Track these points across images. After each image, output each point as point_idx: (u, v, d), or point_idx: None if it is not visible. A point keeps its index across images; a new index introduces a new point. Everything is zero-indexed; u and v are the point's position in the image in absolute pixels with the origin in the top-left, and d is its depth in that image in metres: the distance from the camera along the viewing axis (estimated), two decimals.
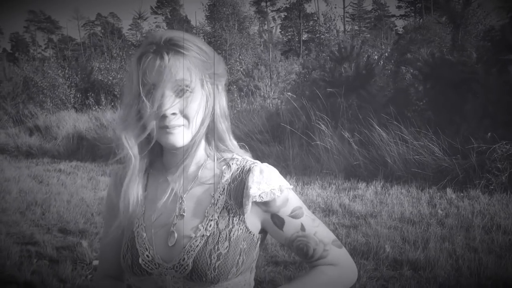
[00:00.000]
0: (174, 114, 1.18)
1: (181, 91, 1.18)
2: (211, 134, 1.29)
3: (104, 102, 14.41)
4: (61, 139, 11.38)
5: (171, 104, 1.17)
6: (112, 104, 14.49)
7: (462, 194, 6.32)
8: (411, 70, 9.18)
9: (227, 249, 1.23)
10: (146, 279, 1.27)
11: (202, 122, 1.24)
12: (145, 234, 1.28)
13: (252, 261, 1.31)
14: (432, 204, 6.02)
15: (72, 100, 15.33)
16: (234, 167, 1.30)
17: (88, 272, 4.48)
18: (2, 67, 16.40)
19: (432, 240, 4.76)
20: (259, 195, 1.24)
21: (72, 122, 12.18)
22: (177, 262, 1.23)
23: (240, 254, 1.24)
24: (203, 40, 1.37)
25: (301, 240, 1.28)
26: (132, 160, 1.24)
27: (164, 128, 1.19)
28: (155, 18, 74.11)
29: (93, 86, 15.84)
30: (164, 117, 1.17)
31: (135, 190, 1.27)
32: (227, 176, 1.29)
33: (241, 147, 1.38)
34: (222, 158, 1.32)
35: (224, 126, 1.29)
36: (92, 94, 15.16)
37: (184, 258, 1.22)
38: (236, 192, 1.26)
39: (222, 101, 1.29)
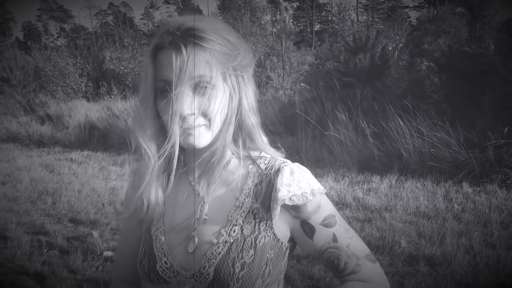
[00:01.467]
0: (192, 114, 1.07)
1: (200, 88, 1.06)
2: (239, 130, 1.16)
3: (115, 92, 14.38)
4: (72, 128, 11.37)
5: (189, 104, 1.05)
6: (124, 93, 14.45)
7: (478, 188, 6.20)
8: (425, 62, 9.04)
9: (252, 257, 1.11)
10: None
11: (225, 119, 1.12)
12: (163, 238, 1.18)
13: (280, 272, 1.19)
14: (448, 199, 5.91)
15: (83, 89, 15.33)
16: (262, 166, 1.18)
17: (98, 263, 4.44)
18: (14, 55, 16.40)
19: (449, 235, 4.66)
20: (289, 198, 1.11)
21: (83, 111, 12.15)
22: (197, 271, 1.12)
23: (266, 264, 1.13)
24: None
25: (332, 252, 1.15)
26: (152, 162, 1.12)
27: (182, 129, 1.08)
28: (167, 7, 74.14)
29: (104, 76, 15.81)
30: (182, 117, 1.06)
31: (153, 192, 1.16)
32: (254, 176, 1.17)
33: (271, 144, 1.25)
34: (249, 157, 1.19)
35: (252, 121, 1.16)
36: (104, 84, 15.14)
37: (204, 266, 1.11)
38: (264, 195, 1.14)
39: (249, 94, 1.15)
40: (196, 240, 1.14)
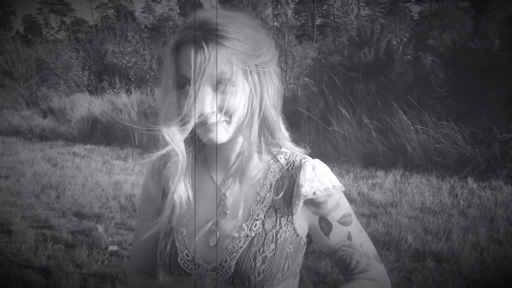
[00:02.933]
0: (213, 112, 1.06)
1: (221, 85, 1.05)
2: (261, 126, 1.15)
3: (118, 86, 14.35)
4: (75, 122, 11.34)
5: (209, 102, 1.04)
6: (127, 87, 14.42)
7: (483, 184, 6.18)
8: (429, 57, 9.00)
9: (273, 252, 1.12)
10: (183, 280, 1.18)
11: (248, 116, 1.11)
12: (185, 231, 1.18)
13: (297, 266, 1.21)
14: (453, 194, 5.90)
15: (85, 82, 15.30)
16: (282, 161, 1.18)
17: (104, 257, 4.43)
18: (16, 48, 16.39)
19: (455, 231, 4.65)
20: (312, 194, 1.12)
21: (86, 105, 12.11)
22: (218, 264, 1.13)
23: (286, 258, 1.14)
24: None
25: (346, 250, 1.17)
26: (181, 158, 1.11)
27: (203, 125, 1.07)
28: (168, 1, 74.08)
29: (107, 69, 15.77)
30: (203, 115, 1.05)
31: (183, 190, 1.15)
32: (275, 172, 1.18)
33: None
34: (270, 152, 1.19)
35: (274, 117, 1.15)
36: (106, 77, 15.11)
37: (226, 260, 1.12)
38: (285, 190, 1.15)
39: (270, 89, 1.13)
40: (218, 234, 1.15)
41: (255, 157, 1.17)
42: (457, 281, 3.75)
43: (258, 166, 1.18)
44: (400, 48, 9.29)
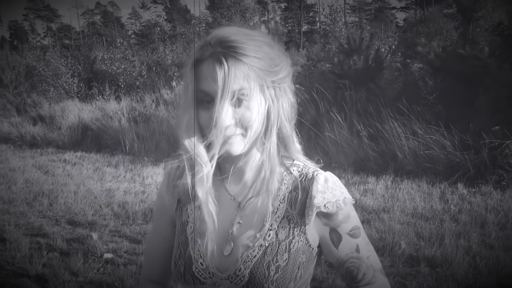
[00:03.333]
0: (231, 125, 1.10)
1: (238, 99, 1.09)
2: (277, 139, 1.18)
3: (108, 92, 14.30)
4: (65, 129, 11.28)
5: (228, 116, 1.08)
6: (116, 94, 14.37)
7: (473, 189, 6.27)
8: (416, 64, 9.11)
9: (287, 261, 1.16)
10: None
11: (262, 129, 1.14)
12: (200, 241, 1.21)
13: (309, 276, 1.25)
14: (444, 200, 5.97)
15: (75, 89, 15.22)
16: (296, 173, 1.22)
17: (99, 265, 4.44)
18: (5, 55, 16.30)
19: (447, 236, 4.71)
20: (324, 205, 1.16)
21: (76, 111, 12.06)
22: (232, 272, 1.16)
23: (299, 268, 1.18)
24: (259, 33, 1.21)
25: (354, 262, 1.19)
26: (204, 170, 1.13)
27: (220, 136, 1.10)
28: (154, 7, 73.96)
29: (96, 76, 15.71)
30: (222, 128, 1.09)
31: (211, 201, 1.18)
32: (288, 183, 1.22)
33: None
34: (283, 164, 1.22)
35: (288, 130, 1.18)
36: (96, 84, 15.05)
37: (240, 269, 1.16)
38: (298, 201, 1.19)
39: (285, 103, 1.17)
40: (232, 243, 1.18)
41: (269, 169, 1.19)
42: (451, 286, 3.80)
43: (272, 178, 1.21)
44: (389, 55, 9.38)
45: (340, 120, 7.96)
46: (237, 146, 1.12)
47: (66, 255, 4.63)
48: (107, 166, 8.70)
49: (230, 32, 1.10)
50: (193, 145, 1.12)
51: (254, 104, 1.11)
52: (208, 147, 1.12)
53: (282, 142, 1.19)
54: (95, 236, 5.05)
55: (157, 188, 6.99)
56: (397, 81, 8.58)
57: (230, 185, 1.24)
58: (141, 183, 7.39)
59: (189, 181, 1.16)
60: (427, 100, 8.09)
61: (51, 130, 11.54)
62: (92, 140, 10.54)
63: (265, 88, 1.12)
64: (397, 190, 6.38)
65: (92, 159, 9.41)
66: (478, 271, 4.03)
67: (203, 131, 1.13)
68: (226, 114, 1.07)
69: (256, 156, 1.19)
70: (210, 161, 1.13)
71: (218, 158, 1.17)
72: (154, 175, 7.75)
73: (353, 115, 8.01)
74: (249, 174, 1.21)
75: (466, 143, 6.77)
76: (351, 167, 7.47)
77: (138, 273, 4.19)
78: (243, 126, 1.11)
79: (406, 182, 6.72)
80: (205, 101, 1.10)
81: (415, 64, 9.10)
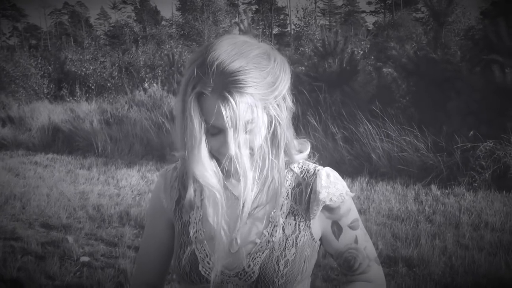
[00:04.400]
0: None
1: (246, 128, 1.09)
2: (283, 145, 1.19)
3: (79, 94, 14.11)
4: (35, 130, 11.08)
5: (235, 143, 1.09)
6: (87, 95, 14.19)
7: (447, 191, 6.39)
8: (384, 69, 9.26)
9: (294, 255, 1.19)
10: (204, 287, 1.21)
11: (266, 143, 1.15)
12: (205, 241, 1.21)
13: (311, 269, 1.28)
14: (418, 201, 6.07)
15: (45, 90, 14.97)
16: (297, 170, 1.25)
17: (76, 268, 4.37)
18: None
19: (423, 237, 4.79)
20: (330, 199, 1.20)
21: (46, 113, 11.86)
22: (241, 269, 1.17)
23: (305, 261, 1.21)
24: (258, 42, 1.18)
25: (352, 252, 1.25)
26: (218, 196, 1.15)
27: (228, 158, 1.12)
28: (124, 8, 73.27)
29: (66, 77, 15.50)
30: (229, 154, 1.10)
31: (225, 221, 1.18)
32: (291, 180, 1.25)
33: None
34: (284, 162, 1.23)
35: (288, 136, 1.19)
36: (66, 85, 14.83)
37: (249, 265, 1.17)
38: (302, 197, 1.22)
39: (285, 111, 1.16)
40: (239, 240, 1.19)
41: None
42: (429, 286, 3.87)
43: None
44: (363, 59, 9.50)
45: (315, 123, 8.01)
46: (247, 165, 1.13)
47: (41, 258, 4.55)
48: (80, 169, 8.58)
49: (227, 55, 1.06)
50: (209, 177, 1.14)
51: (261, 126, 1.11)
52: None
53: (284, 150, 1.20)
54: (70, 239, 4.97)
55: (132, 191, 6.94)
56: (371, 84, 8.69)
57: (232, 185, 1.25)
58: (115, 185, 7.31)
59: (192, 193, 1.20)
60: (400, 103, 8.22)
61: (21, 132, 11.32)
62: (64, 142, 10.36)
63: (269, 106, 1.11)
64: (372, 191, 6.46)
65: (64, 161, 9.27)
66: (454, 271, 4.11)
67: (215, 155, 1.15)
68: (232, 142, 1.08)
69: (257, 157, 1.17)
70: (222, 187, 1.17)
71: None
72: (129, 178, 7.67)
73: (328, 118, 8.07)
74: (251, 174, 1.21)
75: (439, 145, 6.90)
76: None
77: (116, 276, 4.15)
78: (251, 148, 1.13)
79: (381, 184, 6.80)
80: (216, 133, 1.10)
81: (388, 69, 9.25)
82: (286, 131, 1.17)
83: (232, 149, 1.08)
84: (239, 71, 1.04)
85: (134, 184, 7.30)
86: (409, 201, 6.03)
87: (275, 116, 1.13)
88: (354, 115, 7.77)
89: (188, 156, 1.12)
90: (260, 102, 1.08)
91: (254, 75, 1.05)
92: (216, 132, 1.10)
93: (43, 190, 6.93)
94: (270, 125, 1.14)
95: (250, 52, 1.08)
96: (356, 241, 1.25)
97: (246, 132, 1.10)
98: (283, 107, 1.15)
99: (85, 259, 4.58)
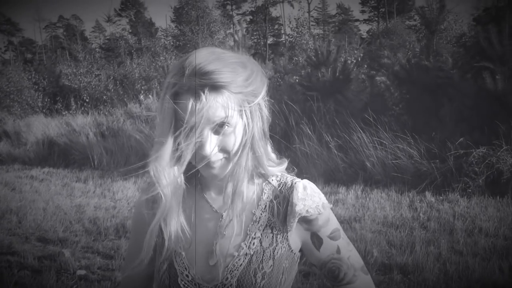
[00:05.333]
0: (214, 153, 1.13)
1: (220, 128, 1.11)
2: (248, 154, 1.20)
3: (74, 107, 14.12)
4: (31, 144, 11.10)
5: (211, 145, 1.11)
6: (83, 108, 14.21)
7: (441, 197, 6.43)
8: (378, 78, 9.32)
9: (271, 267, 1.20)
10: None
11: (241, 148, 1.16)
12: (184, 253, 1.23)
13: (291, 281, 1.29)
14: (413, 208, 6.10)
15: (40, 104, 14.98)
16: (274, 183, 1.27)
17: (72, 282, 4.38)
18: None
19: (418, 244, 4.82)
20: (306, 211, 1.21)
21: (41, 127, 11.88)
22: (219, 282, 1.19)
23: (283, 273, 1.22)
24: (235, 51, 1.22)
25: (335, 262, 1.24)
26: (168, 197, 1.17)
27: (204, 162, 1.13)
28: (118, 20, 73.29)
29: (61, 90, 15.52)
30: (204, 156, 1.12)
31: (176, 224, 1.20)
32: (268, 193, 1.26)
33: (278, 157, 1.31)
34: (261, 175, 1.26)
35: (261, 150, 1.21)
36: (61, 99, 14.84)
37: (227, 278, 1.19)
38: (279, 209, 1.23)
39: (259, 121, 1.19)
40: (217, 253, 1.21)
41: (248, 180, 1.23)
42: None
43: (251, 188, 1.25)
44: (356, 67, 9.56)
45: (309, 131, 8.06)
46: (221, 170, 1.16)
47: (38, 272, 4.55)
48: (76, 182, 8.59)
49: (205, 59, 1.10)
50: (161, 175, 1.15)
51: (237, 129, 1.14)
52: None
53: (255, 160, 1.22)
54: (67, 252, 4.98)
55: (129, 203, 6.95)
56: (364, 92, 8.75)
57: (212, 198, 1.27)
58: (112, 198, 7.33)
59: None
60: (393, 111, 8.27)
61: (17, 146, 11.33)
62: (59, 155, 10.38)
63: (242, 111, 1.14)
64: (367, 199, 6.49)
65: (60, 174, 9.28)
66: (448, 277, 4.13)
67: (184, 157, 1.14)
68: (207, 144, 1.10)
69: (236, 169, 1.19)
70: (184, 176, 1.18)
71: (197, 172, 1.20)
72: (125, 190, 7.68)
73: (322, 127, 8.12)
74: (230, 187, 1.23)
75: (432, 152, 6.95)
76: (321, 177, 7.56)
77: None
78: (226, 151, 1.14)
79: (376, 191, 6.84)
80: (186, 134, 1.11)
81: (380, 77, 9.30)
82: (258, 141, 1.19)
83: (207, 148, 1.10)
84: (214, 71, 1.07)
85: (130, 196, 7.32)
86: (404, 208, 6.06)
87: (247, 122, 1.15)
88: (347, 124, 7.82)
89: (152, 154, 1.14)
90: (234, 104, 1.10)
91: (229, 76, 1.09)
92: (187, 130, 1.10)
93: (40, 204, 6.93)
94: (243, 132, 1.16)
95: (228, 59, 1.12)
96: (338, 251, 1.24)
97: (219, 134, 1.12)
98: (256, 115, 1.17)
99: (82, 272, 4.59)
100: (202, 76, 1.07)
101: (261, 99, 1.18)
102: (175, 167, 1.15)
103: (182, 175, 1.17)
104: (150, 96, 13.54)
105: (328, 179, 7.56)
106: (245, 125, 1.16)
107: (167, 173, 1.15)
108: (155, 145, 1.15)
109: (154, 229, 1.21)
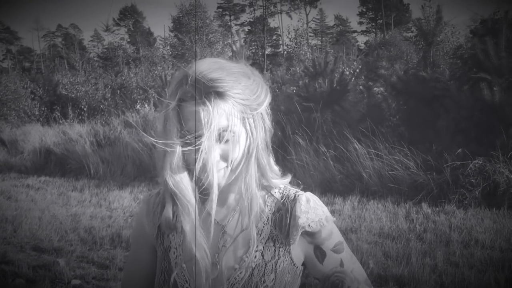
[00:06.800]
0: (217, 161, 1.13)
1: (223, 137, 1.11)
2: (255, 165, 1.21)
3: (71, 116, 14.11)
4: (27, 153, 11.08)
5: (212, 152, 1.10)
6: (80, 117, 14.20)
7: (437, 208, 6.42)
8: (376, 88, 9.35)
9: (273, 281, 1.19)
10: None
11: (242, 158, 1.17)
12: (185, 266, 1.22)
13: None
14: (409, 219, 6.09)
15: (37, 113, 14.97)
16: (277, 196, 1.25)
17: None
18: None
19: (414, 255, 4.80)
20: (308, 225, 1.20)
21: (38, 136, 11.86)
22: None
23: (285, 287, 1.21)
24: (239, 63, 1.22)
25: (338, 276, 1.22)
26: (189, 207, 1.17)
27: (206, 170, 1.12)
28: (117, 30, 73.42)
29: (59, 99, 15.52)
30: (206, 163, 1.11)
31: (201, 238, 1.19)
32: (271, 205, 1.24)
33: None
34: (264, 188, 1.25)
35: (264, 160, 1.21)
36: (58, 108, 14.84)
37: None
38: (282, 222, 1.22)
39: (262, 132, 1.19)
40: (218, 266, 1.19)
41: (254, 192, 1.21)
42: None
43: (255, 201, 1.23)
44: (353, 79, 9.58)
45: (306, 142, 8.06)
46: (222, 179, 1.15)
47: (32, 282, 4.52)
48: (72, 191, 8.57)
49: (208, 67, 1.11)
50: (180, 185, 1.16)
51: (240, 138, 1.14)
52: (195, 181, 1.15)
53: (259, 171, 1.21)
54: (61, 262, 4.95)
55: (124, 213, 6.93)
56: (361, 103, 8.77)
57: (213, 207, 1.22)
58: (108, 207, 7.30)
59: (170, 213, 1.20)
60: (390, 122, 8.29)
61: (13, 155, 11.30)
62: (56, 164, 10.36)
63: (245, 119, 1.14)
64: (364, 210, 6.48)
65: (56, 183, 9.25)
66: None
67: (188, 164, 1.15)
68: (211, 152, 1.10)
69: (239, 180, 1.20)
70: (195, 197, 1.17)
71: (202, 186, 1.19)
72: (121, 199, 7.66)
73: (319, 137, 8.13)
74: (232, 198, 1.24)
75: (428, 163, 6.95)
76: (318, 188, 7.55)
77: None
78: (228, 160, 1.14)
79: (372, 202, 6.83)
80: (190, 142, 1.11)
81: (378, 87, 9.33)
82: (261, 151, 1.19)
83: (210, 155, 1.10)
84: (218, 79, 1.08)
85: (126, 206, 7.30)
86: (400, 219, 6.05)
87: (250, 131, 1.16)
88: (344, 134, 7.83)
89: (163, 167, 1.14)
90: (238, 112, 1.11)
91: (232, 85, 1.10)
92: (193, 138, 1.10)
93: (35, 213, 6.90)
94: (246, 141, 1.16)
95: (231, 69, 1.13)
96: (341, 265, 1.23)
97: (222, 141, 1.12)
98: (259, 125, 1.18)
99: (76, 282, 4.56)
100: (206, 83, 1.08)
101: (264, 109, 1.19)
102: (187, 175, 1.16)
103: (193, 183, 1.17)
104: (146, 105, 13.53)
105: (324, 189, 7.55)
106: (248, 135, 1.16)
107: (186, 182, 1.15)
108: (159, 154, 1.15)
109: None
